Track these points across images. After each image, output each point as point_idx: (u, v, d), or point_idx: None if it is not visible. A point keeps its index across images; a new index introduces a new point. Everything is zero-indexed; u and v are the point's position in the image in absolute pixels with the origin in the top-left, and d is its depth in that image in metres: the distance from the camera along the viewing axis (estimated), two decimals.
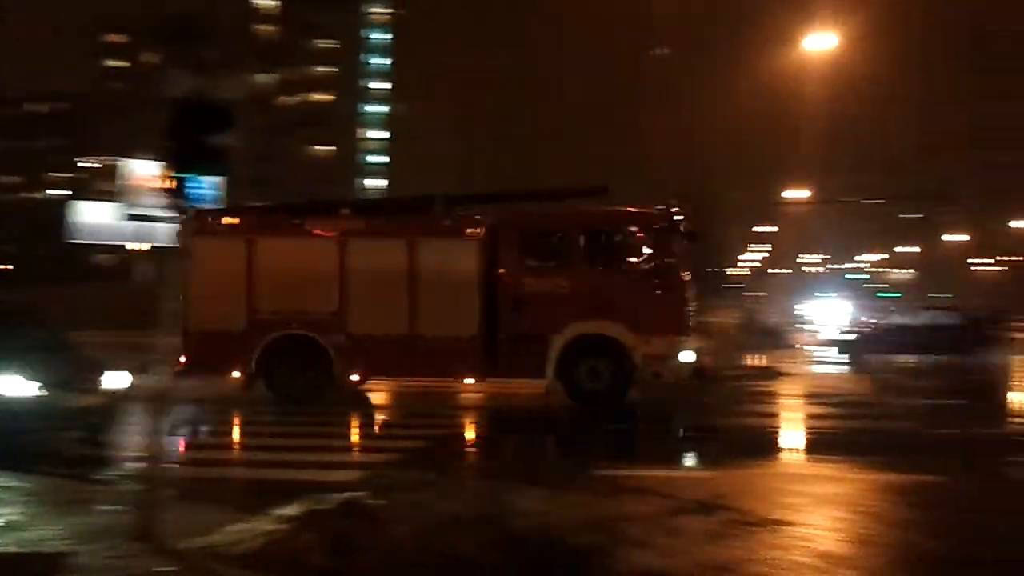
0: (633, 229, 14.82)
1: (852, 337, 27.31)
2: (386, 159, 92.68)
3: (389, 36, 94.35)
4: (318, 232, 15.15)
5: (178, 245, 9.09)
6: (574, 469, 9.70)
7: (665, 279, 14.41)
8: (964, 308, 28.74)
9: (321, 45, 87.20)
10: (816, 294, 57.40)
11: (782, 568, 6.35)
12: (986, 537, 7.23)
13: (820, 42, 26.13)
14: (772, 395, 17.73)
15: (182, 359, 14.20)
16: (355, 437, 13.00)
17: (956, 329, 23.86)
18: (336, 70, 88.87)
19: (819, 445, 12.42)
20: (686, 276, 14.61)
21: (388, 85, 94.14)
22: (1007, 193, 73.98)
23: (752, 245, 73.84)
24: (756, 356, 24.17)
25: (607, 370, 14.30)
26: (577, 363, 14.31)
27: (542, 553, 6.76)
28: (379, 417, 15.00)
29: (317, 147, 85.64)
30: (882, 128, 77.90)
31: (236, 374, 14.76)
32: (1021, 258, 73.18)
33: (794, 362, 24.58)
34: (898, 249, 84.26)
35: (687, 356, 14.40)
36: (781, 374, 20.99)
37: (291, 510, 7.14)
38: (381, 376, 15.75)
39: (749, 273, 71.46)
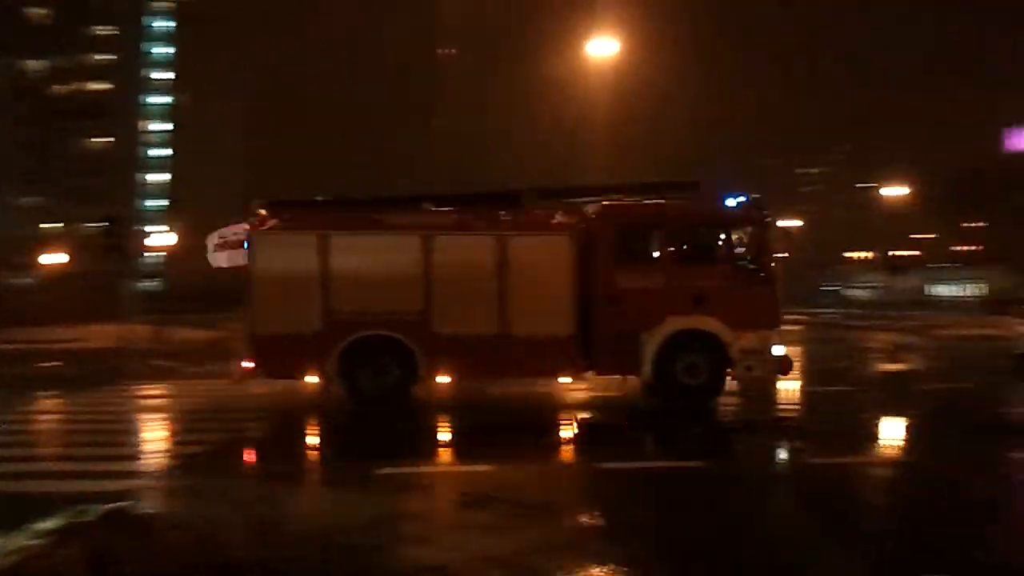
0: (731, 225, 14.44)
1: None
2: (169, 152, 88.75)
3: (172, 24, 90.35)
4: (402, 227, 14.24)
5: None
6: (356, 469, 9.60)
7: (758, 274, 14.14)
8: None
9: (99, 32, 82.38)
10: None
11: (554, 557, 6.51)
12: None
13: (602, 47, 26.95)
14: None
15: (249, 363, 13.63)
16: (137, 443, 12.30)
17: None
18: (114, 58, 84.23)
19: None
20: (777, 271, 14.18)
21: (171, 75, 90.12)
22: (772, 194, 79.18)
23: None
24: None
25: (705, 365, 13.96)
26: (674, 359, 13.91)
27: (318, 554, 6.68)
28: (164, 421, 14.21)
29: (94, 139, 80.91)
30: (666, 131, 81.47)
31: (313, 378, 13.95)
32: (787, 254, 78.38)
33: None
34: None
35: (778, 350, 14.13)
36: None
37: (51, 524, 6.74)
38: (470, 378, 14.53)
39: None
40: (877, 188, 68.05)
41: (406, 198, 16.34)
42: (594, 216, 14.43)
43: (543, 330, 13.89)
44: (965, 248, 75.06)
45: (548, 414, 14.00)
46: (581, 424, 13.55)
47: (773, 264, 14.20)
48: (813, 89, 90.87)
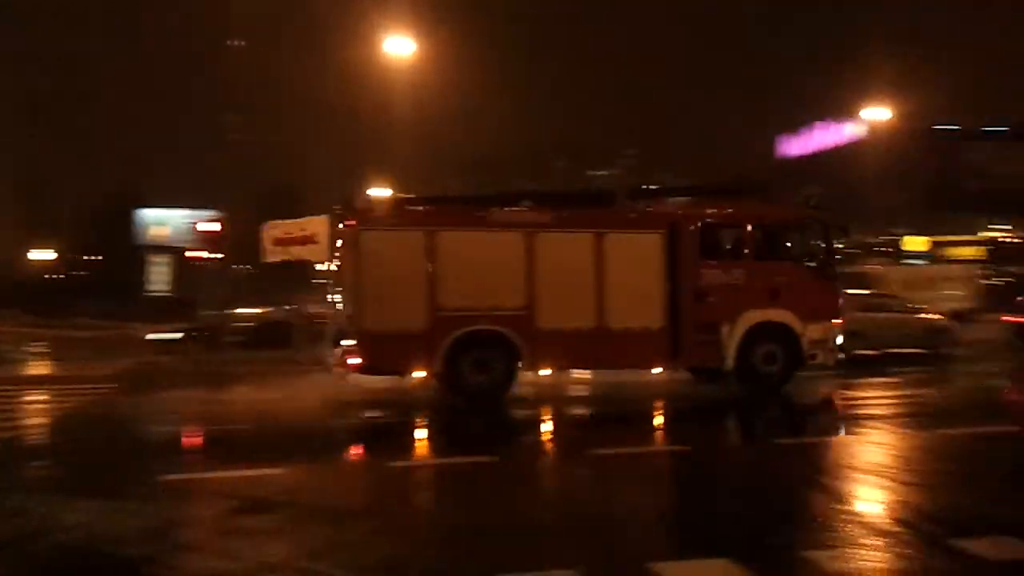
0: (799, 224, 16.04)
1: None
2: None
3: None
4: (505, 224, 14.49)
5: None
6: (136, 476, 9.14)
7: (824, 270, 15.58)
8: None
9: None
10: None
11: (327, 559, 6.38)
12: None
13: (399, 46, 26.85)
14: None
15: (357, 360, 13.79)
16: None
17: None
18: None
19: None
20: (838, 267, 15.85)
21: None
22: None
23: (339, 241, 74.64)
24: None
25: (781, 354, 14.98)
26: (752, 349, 14.86)
27: (86, 569, 6.30)
28: None
29: None
30: (468, 130, 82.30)
31: (421, 373, 14.23)
32: None
33: None
34: None
35: (840, 340, 15.44)
36: None
37: None
38: (569, 369, 15.34)
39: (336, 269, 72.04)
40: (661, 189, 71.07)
41: (508, 196, 16.76)
42: (680, 216, 15.18)
43: (637, 323, 14.55)
44: None
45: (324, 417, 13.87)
46: (366, 424, 13.59)
47: (833, 260, 15.98)
48: (604, 93, 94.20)
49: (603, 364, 15.30)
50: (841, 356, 15.91)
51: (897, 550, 6.36)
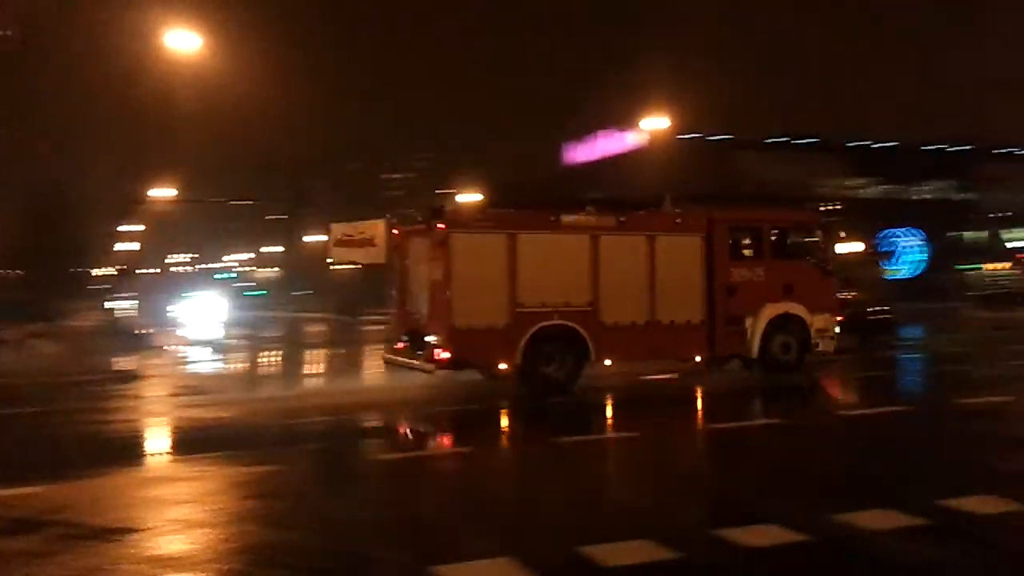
0: (810, 228, 17.98)
1: None
2: None
3: None
4: (575, 228, 15.53)
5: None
6: None
7: (827, 267, 17.42)
8: None
9: None
10: (186, 294, 57.07)
11: None
12: (317, 525, 7.45)
13: (183, 41, 25.78)
14: (134, 398, 16.93)
15: (445, 354, 14.38)
16: None
17: None
18: None
19: (183, 445, 11.89)
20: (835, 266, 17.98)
21: None
22: (357, 198, 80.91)
23: (119, 244, 71.19)
24: (120, 359, 22.92)
25: (795, 343, 16.66)
26: (770, 339, 16.43)
27: None
28: None
29: None
30: (252, 133, 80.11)
31: (503, 366, 14.81)
32: None
33: (161, 363, 23.69)
34: (264, 249, 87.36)
35: (837, 330, 17.18)
36: (142, 376, 20.07)
37: None
38: (625, 361, 16.05)
39: (116, 273, 68.77)
40: (454, 195, 71.94)
41: (574, 202, 17.51)
42: (715, 219, 16.59)
43: (682, 317, 15.94)
44: None
45: None
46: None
47: (833, 259, 18.01)
48: (399, 96, 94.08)
49: (654, 355, 16.45)
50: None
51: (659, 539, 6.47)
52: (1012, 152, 62.58)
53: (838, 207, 44.20)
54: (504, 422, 13.76)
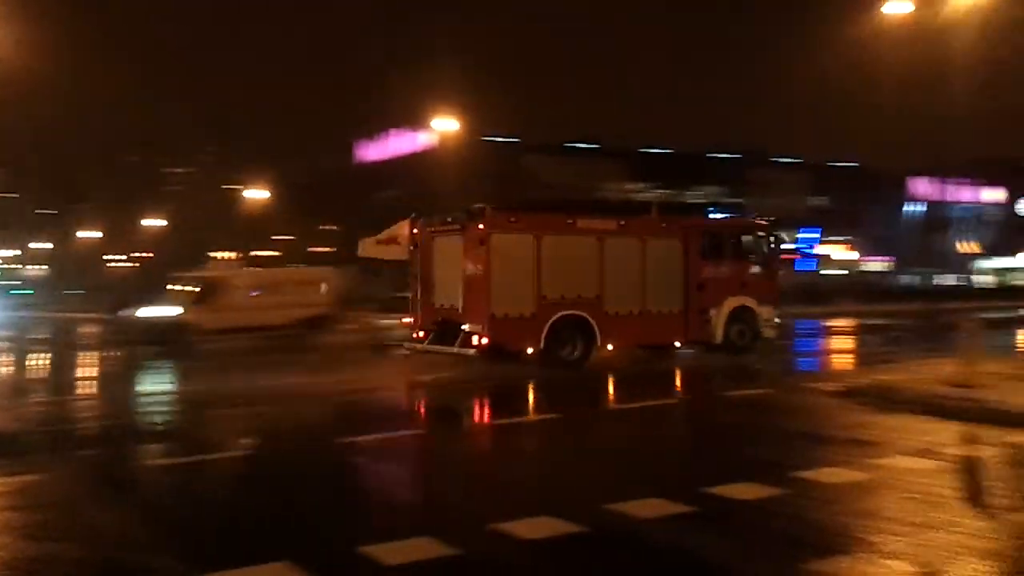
0: (759, 234, 21.34)
1: None
2: None
3: None
4: (586, 231, 18.40)
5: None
6: None
7: (771, 267, 20.99)
8: None
9: None
10: None
11: None
12: (79, 536, 6.96)
13: None
14: None
15: (484, 340, 16.75)
16: None
17: None
18: None
19: None
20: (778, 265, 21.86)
21: None
22: (135, 192, 77.10)
23: None
24: None
25: (749, 331, 20.06)
26: (730, 327, 19.78)
27: None
28: None
29: None
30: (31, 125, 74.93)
31: (530, 350, 17.34)
32: (150, 254, 76.81)
33: None
34: (32, 245, 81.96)
35: (777, 320, 20.69)
36: None
37: None
38: (623, 347, 18.81)
39: None
40: (241, 190, 69.89)
41: (586, 206, 23.08)
42: (687, 226, 20.29)
43: (667, 308, 19.15)
44: (321, 249, 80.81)
45: None
46: None
47: (777, 260, 21.76)
48: (182, 88, 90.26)
49: (645, 341, 19.43)
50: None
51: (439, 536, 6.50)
52: (779, 160, 67.26)
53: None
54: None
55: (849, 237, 64.00)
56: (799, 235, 63.90)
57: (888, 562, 6.02)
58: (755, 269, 20.59)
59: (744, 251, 20.68)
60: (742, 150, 65.73)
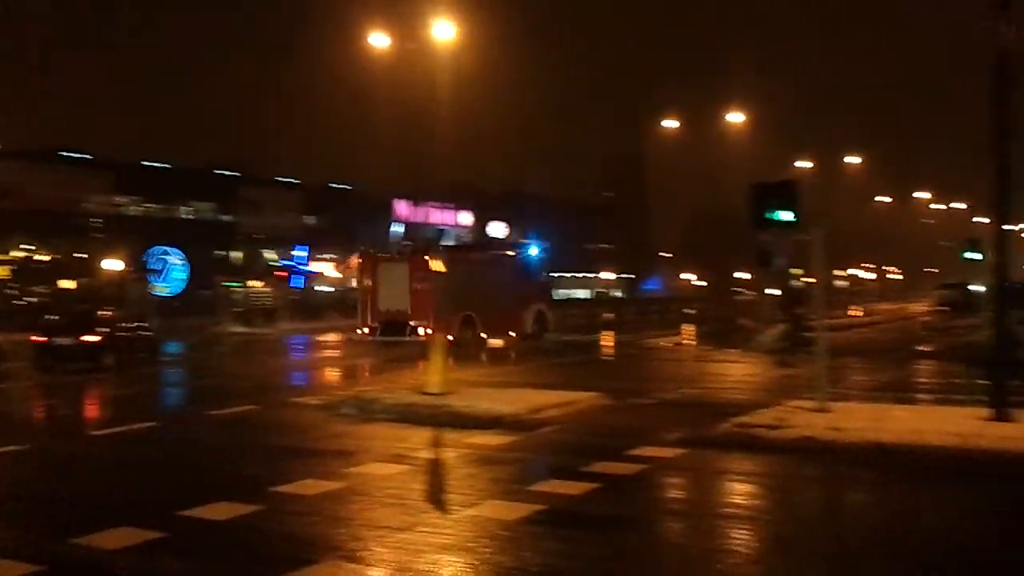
0: (523, 258, 31.41)
1: None
2: None
3: None
4: (396, 260, 27.94)
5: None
6: None
7: (550, 284, 34.01)
8: None
9: None
10: None
11: None
12: None
13: None
14: None
15: (430, 331, 22.50)
16: None
17: None
18: None
19: None
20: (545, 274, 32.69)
21: None
22: None
23: None
24: None
25: (540, 326, 30.05)
26: (535, 322, 29.84)
27: None
28: None
29: None
30: None
31: (451, 337, 20.77)
32: None
33: None
34: None
35: (551, 317, 31.19)
36: None
37: None
38: (492, 334, 27.54)
39: None
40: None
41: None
42: (516, 257, 31.33)
43: (512, 306, 28.45)
44: None
45: None
46: None
47: (543, 271, 32.02)
48: None
49: (502, 331, 28.26)
50: None
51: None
52: (275, 180, 67.70)
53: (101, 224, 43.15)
54: None
55: (334, 255, 66.22)
56: (294, 253, 64.82)
57: (357, 567, 6.24)
58: (538, 283, 30.90)
59: (531, 271, 30.83)
60: (237, 168, 65.15)
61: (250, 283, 55.08)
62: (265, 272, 58.70)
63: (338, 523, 7.34)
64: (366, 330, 26.81)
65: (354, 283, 29.11)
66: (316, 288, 64.46)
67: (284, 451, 10.74)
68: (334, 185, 72.11)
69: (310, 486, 8.51)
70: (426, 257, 26.50)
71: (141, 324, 23.24)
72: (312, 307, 52.91)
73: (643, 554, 6.73)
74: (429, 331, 23.49)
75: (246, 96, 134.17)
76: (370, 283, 27.13)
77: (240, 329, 39.76)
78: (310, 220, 69.67)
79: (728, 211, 66.92)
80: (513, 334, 28.44)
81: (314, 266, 66.54)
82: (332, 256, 65.79)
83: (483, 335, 26.96)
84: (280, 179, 68.95)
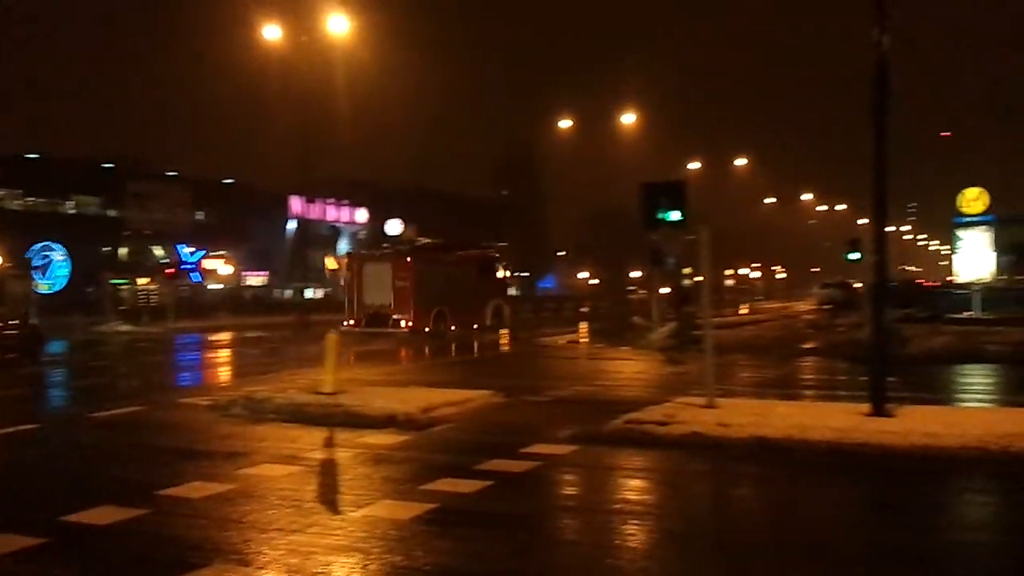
0: (500, 259, 36.92)
1: None
2: None
3: None
4: (450, 260, 33.55)
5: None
6: None
7: (507, 281, 38.28)
8: None
9: None
10: None
11: None
12: None
13: None
14: None
15: (410, 323, 29.54)
16: None
17: None
18: None
19: None
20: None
21: None
22: None
23: None
24: None
25: (499, 319, 34.62)
26: (494, 314, 34.49)
27: None
28: None
29: None
30: None
31: (427, 329, 29.95)
32: None
33: None
34: None
35: (507, 310, 36.35)
36: None
37: None
38: (460, 327, 31.89)
39: None
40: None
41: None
42: (477, 256, 35.89)
43: (473, 301, 32.99)
44: None
45: None
46: None
47: (504, 274, 37.08)
48: None
49: (467, 323, 32.36)
50: None
51: None
52: (159, 174, 65.76)
53: None
54: None
55: (226, 252, 64.81)
56: (184, 249, 63.19)
57: (247, 570, 6.16)
58: (500, 281, 35.93)
59: (492, 270, 35.55)
60: (124, 161, 63.08)
61: (143, 280, 53.46)
62: (154, 269, 57.12)
63: (227, 526, 7.21)
64: (352, 322, 30.38)
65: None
66: (208, 286, 63.02)
67: (172, 453, 10.48)
68: (227, 180, 70.59)
69: (198, 488, 8.35)
70: (407, 258, 30.65)
71: (23, 322, 22.35)
72: (202, 305, 51.70)
73: (536, 551, 6.80)
74: (409, 323, 29.41)
75: (133, 88, 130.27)
76: (356, 280, 31.08)
77: (127, 328, 38.63)
78: (201, 216, 68.09)
79: (622, 210, 68.11)
80: (476, 326, 32.72)
81: (206, 263, 65.03)
82: (223, 253, 64.41)
83: (452, 327, 31.01)
84: (170, 173, 67.13)
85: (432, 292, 30.24)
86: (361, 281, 30.96)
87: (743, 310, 54.40)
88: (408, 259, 30.62)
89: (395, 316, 29.76)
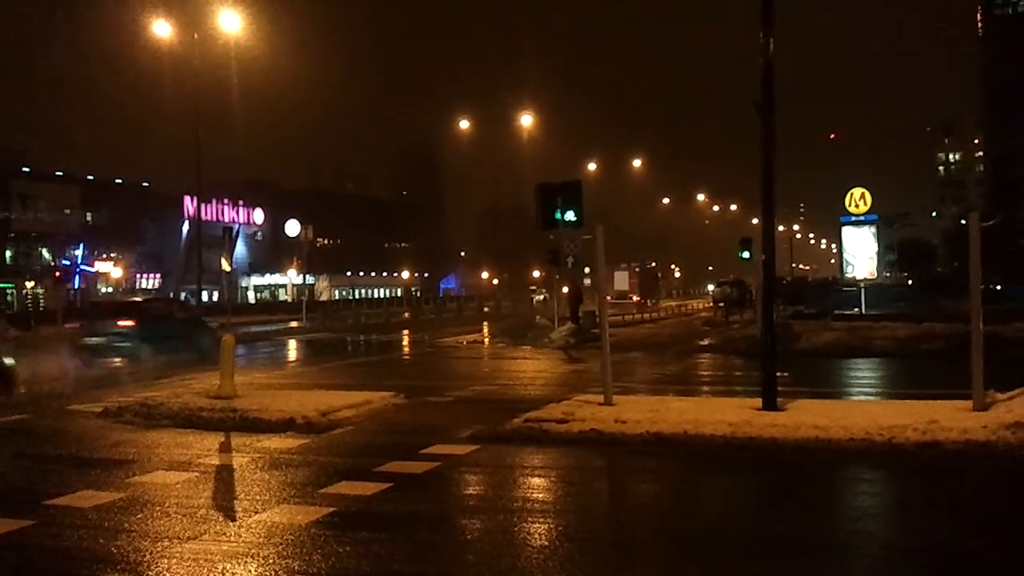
0: None
1: None
2: None
3: None
4: None
5: None
6: None
7: None
8: None
9: None
10: None
11: None
12: None
13: None
14: None
15: None
16: None
17: None
18: None
19: None
20: None
21: None
22: None
23: None
24: None
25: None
26: None
27: None
28: None
29: None
30: None
31: None
32: None
33: None
34: None
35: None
36: None
37: None
38: None
39: None
40: None
41: None
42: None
43: None
44: None
45: None
46: None
47: None
48: None
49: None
50: None
51: None
52: (47, 173, 63.40)
53: None
54: None
55: (117, 254, 62.96)
56: (74, 252, 61.13)
57: None
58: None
59: None
60: (8, 160, 60.61)
61: (26, 284, 51.51)
62: (41, 272, 55.13)
63: (119, 535, 7.02)
64: None
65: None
66: (99, 288, 61.12)
67: (59, 461, 10.14)
68: (119, 181, 68.55)
69: (88, 497, 8.10)
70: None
71: None
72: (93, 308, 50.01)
73: (437, 551, 6.80)
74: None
75: (17, 83, 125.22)
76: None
77: (15, 333, 37.12)
78: (91, 217, 65.99)
79: (521, 210, 68.54)
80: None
81: (96, 265, 63.07)
82: (114, 255, 62.57)
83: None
84: (58, 173, 64.81)
85: None
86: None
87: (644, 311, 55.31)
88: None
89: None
